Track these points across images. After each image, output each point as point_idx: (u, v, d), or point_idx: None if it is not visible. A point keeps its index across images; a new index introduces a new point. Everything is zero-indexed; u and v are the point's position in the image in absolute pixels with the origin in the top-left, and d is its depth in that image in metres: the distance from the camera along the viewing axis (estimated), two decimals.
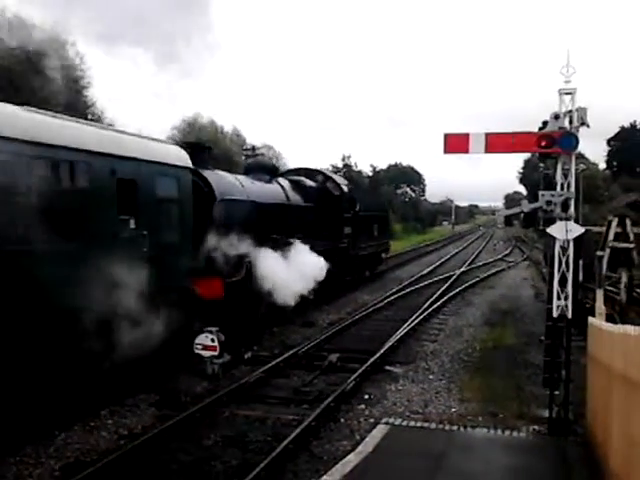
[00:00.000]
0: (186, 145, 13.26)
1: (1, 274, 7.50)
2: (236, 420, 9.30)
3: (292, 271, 14.36)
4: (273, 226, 15.33)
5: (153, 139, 12.03)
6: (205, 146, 15.02)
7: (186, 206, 11.66)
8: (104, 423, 8.90)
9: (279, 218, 16.03)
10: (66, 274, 8.44)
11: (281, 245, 14.84)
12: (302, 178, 19.94)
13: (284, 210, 16.66)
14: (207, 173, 13.25)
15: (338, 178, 23.26)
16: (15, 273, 7.66)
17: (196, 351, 10.93)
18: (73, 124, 9.40)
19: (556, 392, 8.69)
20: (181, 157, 11.77)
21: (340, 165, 68.83)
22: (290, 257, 14.72)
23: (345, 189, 21.75)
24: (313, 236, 17.25)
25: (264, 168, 17.85)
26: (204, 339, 10.91)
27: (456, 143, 8.76)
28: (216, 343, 10.85)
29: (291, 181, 18.86)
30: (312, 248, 15.79)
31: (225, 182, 14.09)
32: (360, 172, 71.32)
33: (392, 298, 21.03)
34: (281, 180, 18.19)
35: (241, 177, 15.62)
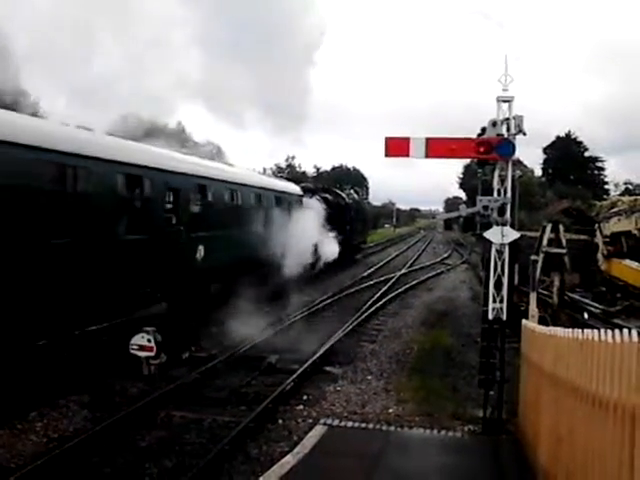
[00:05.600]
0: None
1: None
2: (172, 422, 9.13)
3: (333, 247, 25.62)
4: (320, 224, 24.61)
5: (288, 181, 27.09)
6: (291, 179, 29.26)
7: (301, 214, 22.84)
8: (33, 426, 8.58)
9: (323, 218, 25.34)
10: (283, 243, 19.86)
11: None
12: (326, 194, 30.64)
13: (323, 215, 26.56)
14: None
15: (342, 194, 35.58)
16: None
17: (132, 351, 10.67)
18: (277, 180, 25.40)
19: (491, 392, 8.88)
20: (297, 189, 24.98)
21: (284, 165, 68.82)
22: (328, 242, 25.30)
23: (347, 201, 34.18)
24: (334, 230, 27.14)
25: (306, 188, 28.15)
26: (140, 339, 10.67)
27: (397, 147, 8.81)
28: (153, 343, 10.63)
29: (320, 196, 29.21)
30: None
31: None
32: (304, 173, 71.43)
33: (331, 300, 21.14)
34: (317, 196, 28.60)
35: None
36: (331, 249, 25.29)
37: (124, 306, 11.19)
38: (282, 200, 21.13)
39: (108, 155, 10.90)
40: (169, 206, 13.42)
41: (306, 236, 21.84)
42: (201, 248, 14.47)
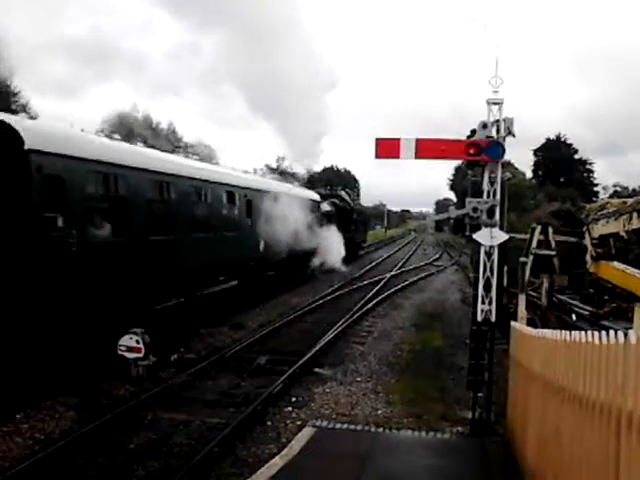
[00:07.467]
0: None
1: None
2: (160, 424, 9.07)
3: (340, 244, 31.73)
4: (333, 225, 31.64)
5: (313, 189, 32.64)
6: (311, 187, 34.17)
7: (319, 216, 29.28)
8: (18, 428, 8.50)
9: (333, 220, 32.06)
10: (311, 240, 25.95)
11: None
12: (334, 199, 36.30)
13: (333, 216, 33.06)
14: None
15: (348, 198, 41.40)
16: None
17: (120, 352, 10.61)
18: (305, 189, 30.20)
19: (479, 394, 8.88)
20: (317, 196, 30.41)
21: (274, 166, 68.60)
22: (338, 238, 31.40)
23: (351, 204, 40.47)
24: (341, 230, 32.76)
25: (319, 195, 32.14)
26: (128, 340, 10.61)
27: (387, 148, 8.79)
28: (141, 345, 10.57)
29: (330, 201, 34.66)
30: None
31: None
32: (294, 174, 71.25)
33: (322, 301, 21.14)
34: (328, 201, 34.00)
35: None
36: (342, 246, 31.63)
37: (217, 280, 16.94)
38: (310, 205, 26.77)
39: (220, 180, 17.21)
40: (246, 212, 19.29)
41: (323, 235, 28.57)
42: (262, 242, 20.32)
